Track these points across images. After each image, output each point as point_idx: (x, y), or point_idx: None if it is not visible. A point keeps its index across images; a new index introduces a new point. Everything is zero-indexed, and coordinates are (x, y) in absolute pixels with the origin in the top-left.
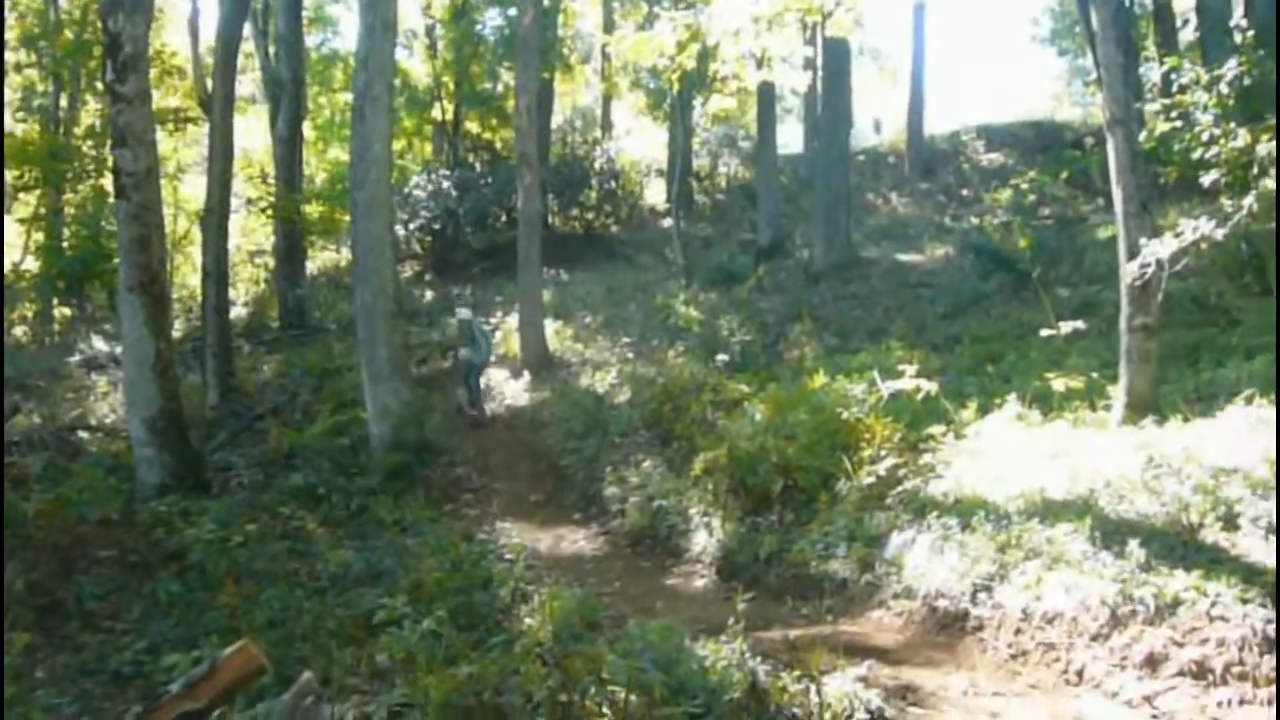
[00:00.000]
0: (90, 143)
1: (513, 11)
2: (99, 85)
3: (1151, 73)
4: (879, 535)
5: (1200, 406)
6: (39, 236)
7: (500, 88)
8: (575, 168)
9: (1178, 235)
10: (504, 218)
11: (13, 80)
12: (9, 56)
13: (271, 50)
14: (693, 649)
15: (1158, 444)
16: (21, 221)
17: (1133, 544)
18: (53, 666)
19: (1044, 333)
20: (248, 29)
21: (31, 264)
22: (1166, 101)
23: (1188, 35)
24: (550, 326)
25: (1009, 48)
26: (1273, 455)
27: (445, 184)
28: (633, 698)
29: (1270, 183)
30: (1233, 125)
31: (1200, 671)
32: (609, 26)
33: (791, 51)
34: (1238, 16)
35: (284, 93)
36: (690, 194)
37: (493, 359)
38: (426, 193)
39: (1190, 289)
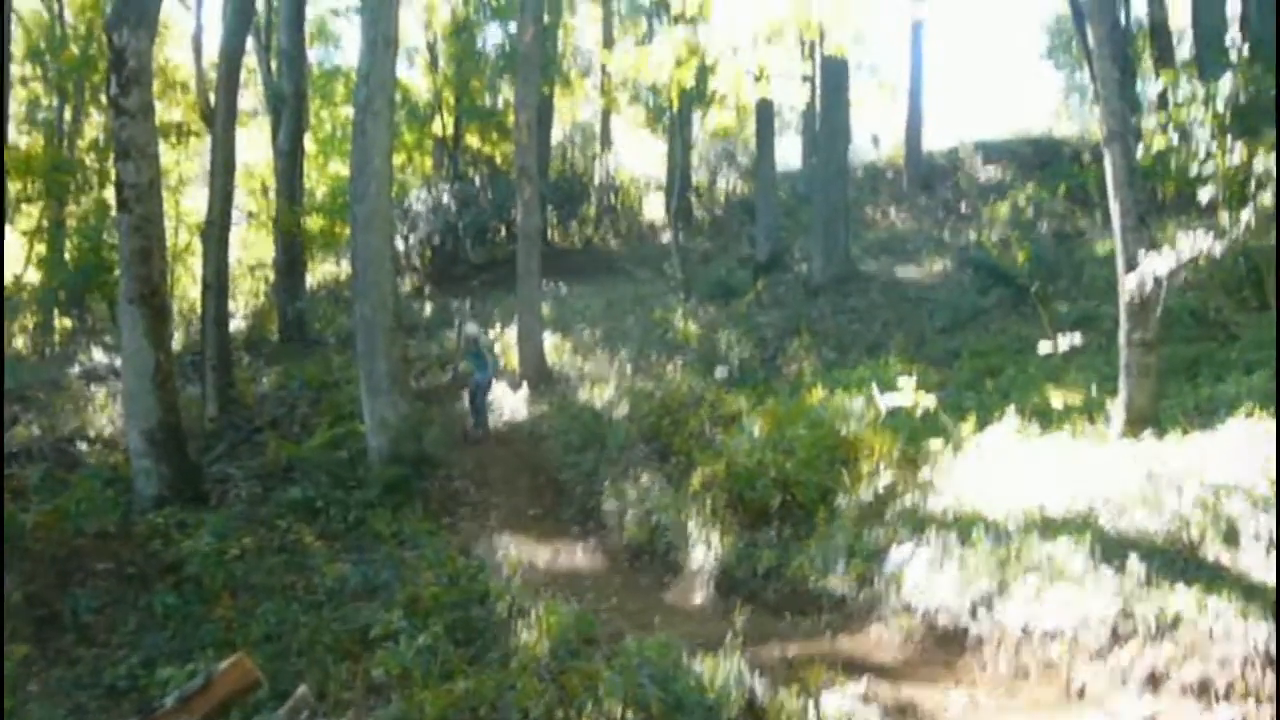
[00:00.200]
0: (93, 156)
1: (513, 27)
2: (103, 99)
3: (1148, 88)
4: (878, 550)
5: (1200, 421)
6: (41, 248)
7: (500, 102)
8: (575, 182)
9: (1176, 251)
10: (503, 232)
11: (18, 93)
12: (14, 70)
13: (274, 65)
14: (690, 665)
15: (1157, 459)
16: (24, 233)
17: (1133, 559)
18: (47, 680)
19: (1042, 346)
20: (250, 44)
21: (33, 276)
22: (1163, 117)
23: (1184, 51)
24: (549, 340)
25: (1007, 64)
26: (1273, 471)
27: (445, 198)
28: (630, 714)
29: (1268, 198)
30: (1229, 140)
31: (1202, 689)
32: (609, 42)
33: (790, 68)
34: (1233, 33)
35: (286, 107)
36: (689, 209)
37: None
38: (426, 207)
39: (1189, 304)
